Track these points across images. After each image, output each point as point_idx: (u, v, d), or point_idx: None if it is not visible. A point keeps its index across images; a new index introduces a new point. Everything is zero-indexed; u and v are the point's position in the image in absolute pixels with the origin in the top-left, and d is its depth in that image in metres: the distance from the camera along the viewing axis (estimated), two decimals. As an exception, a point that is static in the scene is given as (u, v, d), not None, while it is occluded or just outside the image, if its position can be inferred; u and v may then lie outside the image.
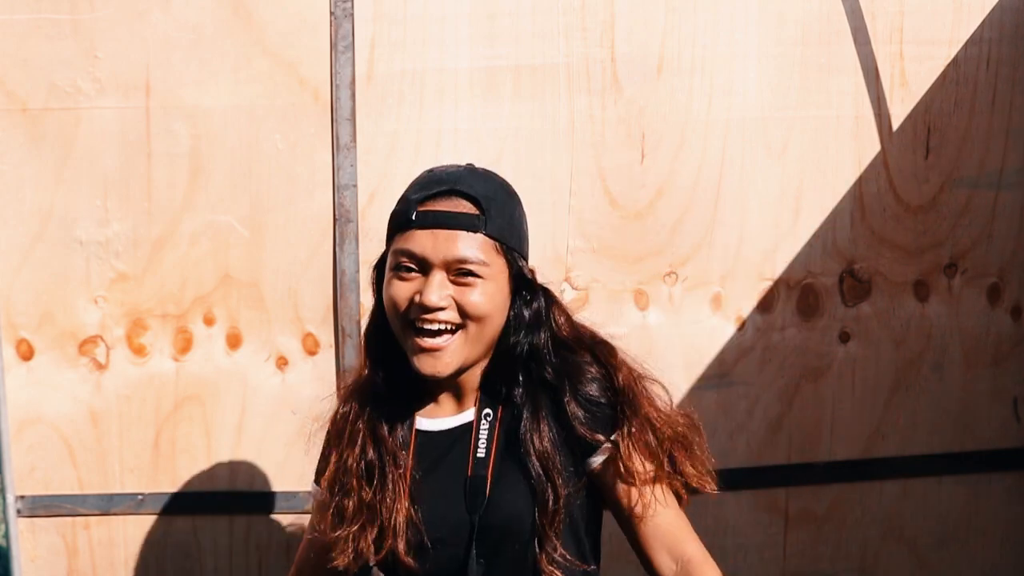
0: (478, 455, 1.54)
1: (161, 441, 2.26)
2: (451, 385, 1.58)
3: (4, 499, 2.24)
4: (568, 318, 1.62)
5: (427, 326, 1.48)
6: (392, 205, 2.16)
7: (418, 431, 1.58)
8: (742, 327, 2.36)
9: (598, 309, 2.30)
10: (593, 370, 1.57)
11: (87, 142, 2.14)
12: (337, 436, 1.60)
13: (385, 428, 1.56)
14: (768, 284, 2.35)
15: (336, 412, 1.63)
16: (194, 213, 2.18)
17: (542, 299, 1.58)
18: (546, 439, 1.52)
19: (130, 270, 2.19)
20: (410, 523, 1.52)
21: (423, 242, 1.48)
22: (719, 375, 2.36)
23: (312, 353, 2.25)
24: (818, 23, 2.27)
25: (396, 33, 2.17)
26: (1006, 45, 2.34)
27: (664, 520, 1.56)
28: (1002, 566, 2.54)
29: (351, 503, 1.54)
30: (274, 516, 2.32)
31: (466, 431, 1.57)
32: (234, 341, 2.23)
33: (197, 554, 2.32)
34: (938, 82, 2.32)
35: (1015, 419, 2.49)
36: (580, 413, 1.53)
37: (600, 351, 1.60)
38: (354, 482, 1.54)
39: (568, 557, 1.52)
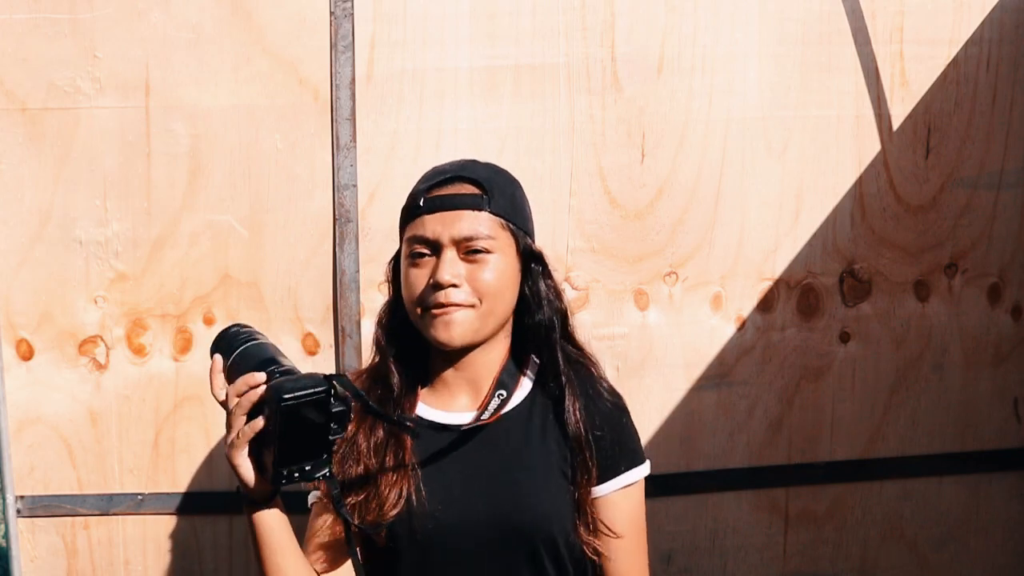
0: (484, 431, 1.59)
1: (161, 441, 2.26)
2: (466, 376, 1.62)
3: (4, 499, 2.24)
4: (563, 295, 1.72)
5: (441, 310, 1.54)
6: (392, 205, 2.16)
7: (425, 419, 1.62)
8: (742, 327, 2.36)
9: (598, 309, 2.30)
10: (604, 384, 1.68)
11: (86, 142, 2.14)
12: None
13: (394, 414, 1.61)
14: (768, 284, 2.35)
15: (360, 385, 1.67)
16: (193, 213, 2.18)
17: (550, 274, 1.66)
18: (582, 417, 1.61)
19: (129, 270, 2.19)
20: (410, 512, 1.56)
21: (432, 226, 1.56)
22: (719, 375, 2.36)
23: (312, 353, 2.25)
24: (818, 23, 2.27)
25: (396, 33, 2.17)
26: (1006, 45, 2.34)
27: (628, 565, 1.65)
28: (1002, 566, 2.54)
29: (356, 477, 1.58)
30: (274, 516, 2.31)
31: (481, 427, 1.60)
32: (234, 341, 2.23)
33: (197, 554, 2.32)
34: (938, 82, 2.32)
35: (1015, 419, 2.50)
36: (602, 437, 1.62)
37: (589, 357, 1.71)
38: (362, 459, 1.59)
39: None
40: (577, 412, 1.60)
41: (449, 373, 1.63)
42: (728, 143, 2.29)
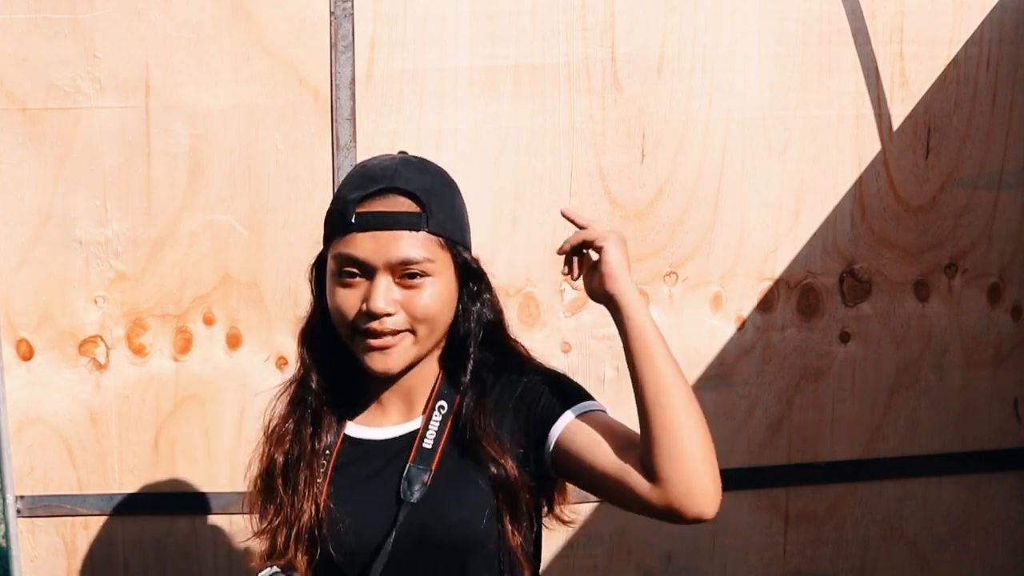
0: (424, 444, 1.49)
1: (161, 441, 2.25)
2: (401, 390, 1.53)
3: (4, 499, 2.24)
4: (501, 306, 1.61)
5: (375, 339, 1.44)
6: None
7: (347, 436, 1.53)
8: (742, 327, 2.36)
9: (598, 309, 2.28)
10: (534, 364, 1.56)
11: (86, 142, 2.14)
12: (271, 433, 1.56)
13: (308, 431, 1.52)
14: (768, 284, 2.35)
15: (272, 408, 1.58)
16: (193, 213, 2.18)
17: (487, 288, 1.55)
18: (490, 421, 1.48)
19: (129, 270, 2.19)
20: (328, 531, 1.48)
21: (364, 246, 1.43)
22: (719, 375, 2.36)
23: (312, 353, 2.25)
24: (818, 23, 2.27)
25: (396, 33, 2.17)
26: (1006, 45, 2.34)
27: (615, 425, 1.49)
28: (1003, 566, 2.54)
29: (272, 502, 1.51)
30: (274, 516, 2.31)
31: (412, 439, 1.50)
32: (234, 341, 2.23)
33: (197, 554, 2.31)
34: (938, 82, 2.32)
35: (1015, 419, 2.49)
36: (534, 388, 1.50)
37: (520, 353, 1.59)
38: (278, 481, 1.51)
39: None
40: (479, 421, 1.47)
41: (381, 387, 1.52)
42: (728, 143, 2.29)
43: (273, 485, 1.52)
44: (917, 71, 2.32)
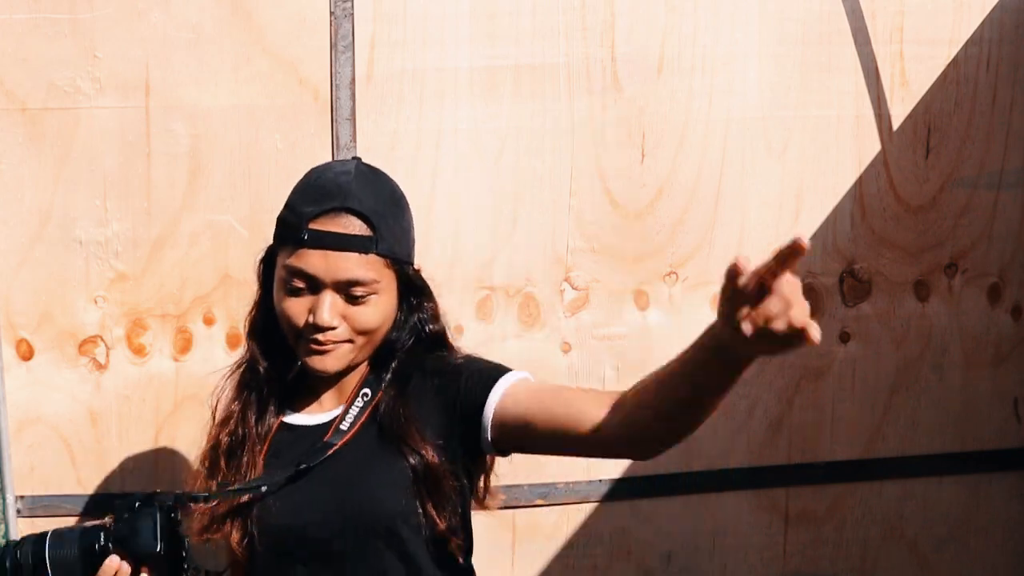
0: (340, 426, 1.59)
1: (161, 441, 2.25)
2: (334, 381, 1.63)
3: (4, 499, 2.24)
4: (442, 317, 1.68)
5: (318, 345, 1.54)
6: (392, 205, 2.13)
7: (284, 423, 1.64)
8: (742, 327, 2.35)
9: (598, 309, 2.30)
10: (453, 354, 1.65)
11: (86, 142, 2.14)
12: (217, 413, 1.68)
13: (253, 416, 1.62)
14: (768, 284, 2.35)
15: (221, 389, 1.70)
16: (193, 213, 2.18)
17: (426, 301, 1.64)
18: (411, 410, 1.56)
19: (129, 270, 2.19)
20: (259, 510, 1.56)
21: (314, 262, 1.52)
22: (719, 375, 2.36)
23: (312, 353, 2.25)
24: (818, 23, 2.27)
25: (396, 33, 2.17)
26: (1006, 45, 2.34)
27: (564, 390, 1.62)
28: (1002, 566, 2.54)
29: (214, 478, 1.62)
30: (274, 516, 2.31)
31: (336, 428, 1.60)
32: (234, 341, 2.23)
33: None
34: (938, 82, 2.32)
35: (1015, 419, 2.50)
36: (456, 373, 1.57)
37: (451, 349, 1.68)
38: (222, 460, 1.62)
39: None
40: (399, 412, 1.56)
41: (317, 379, 1.62)
42: (728, 143, 2.29)
43: (217, 463, 1.62)
44: (917, 71, 2.32)
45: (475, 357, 1.63)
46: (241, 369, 1.69)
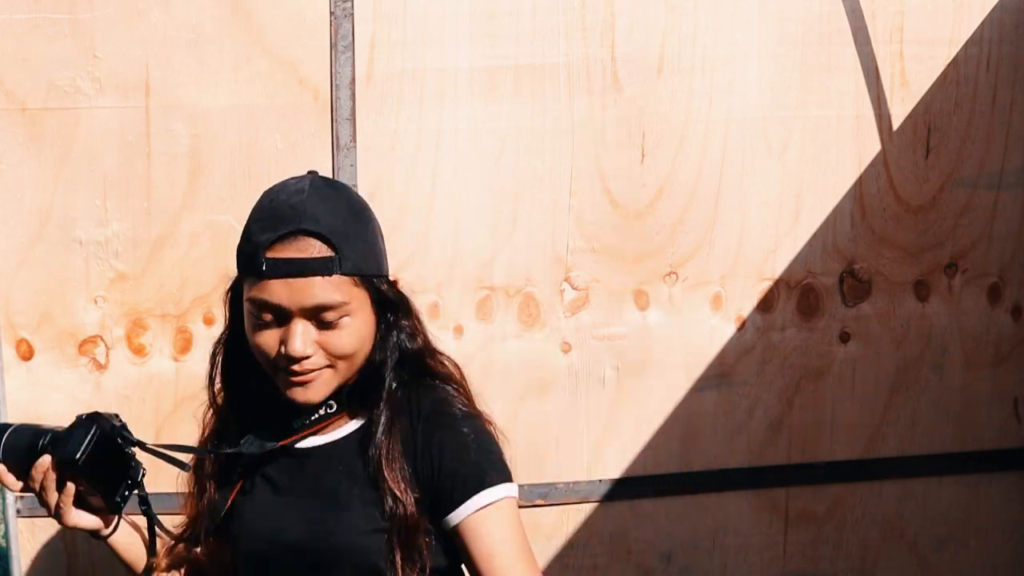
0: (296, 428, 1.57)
1: (161, 441, 2.24)
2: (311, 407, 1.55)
3: (4, 499, 2.24)
4: (424, 328, 1.61)
5: (296, 376, 1.47)
6: (393, 205, 2.16)
7: (265, 445, 1.57)
8: (742, 327, 2.36)
9: (598, 309, 2.30)
10: (458, 407, 1.55)
11: (86, 142, 2.14)
12: (202, 432, 1.69)
13: (230, 439, 1.60)
14: (768, 284, 2.35)
15: (206, 411, 1.69)
16: (193, 213, 2.18)
17: (405, 314, 1.56)
18: (398, 449, 1.50)
19: (129, 270, 2.19)
20: (235, 529, 1.58)
21: (277, 292, 1.43)
22: (719, 375, 2.36)
23: (312, 353, 2.25)
24: (818, 23, 2.27)
25: (396, 33, 2.17)
26: (1006, 45, 2.34)
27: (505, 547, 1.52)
28: (1002, 566, 2.54)
29: (193, 500, 1.65)
30: (274, 516, 2.31)
31: (310, 452, 1.57)
32: (234, 341, 2.23)
33: (197, 554, 2.31)
34: (938, 82, 2.32)
35: (1015, 419, 2.50)
36: (447, 461, 1.49)
37: (452, 371, 1.60)
38: (206, 481, 1.63)
39: None
40: (386, 446, 1.49)
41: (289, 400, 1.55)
42: (728, 143, 2.29)
43: (202, 480, 1.64)
44: (917, 71, 2.32)
45: (467, 439, 1.51)
46: (219, 396, 1.64)
